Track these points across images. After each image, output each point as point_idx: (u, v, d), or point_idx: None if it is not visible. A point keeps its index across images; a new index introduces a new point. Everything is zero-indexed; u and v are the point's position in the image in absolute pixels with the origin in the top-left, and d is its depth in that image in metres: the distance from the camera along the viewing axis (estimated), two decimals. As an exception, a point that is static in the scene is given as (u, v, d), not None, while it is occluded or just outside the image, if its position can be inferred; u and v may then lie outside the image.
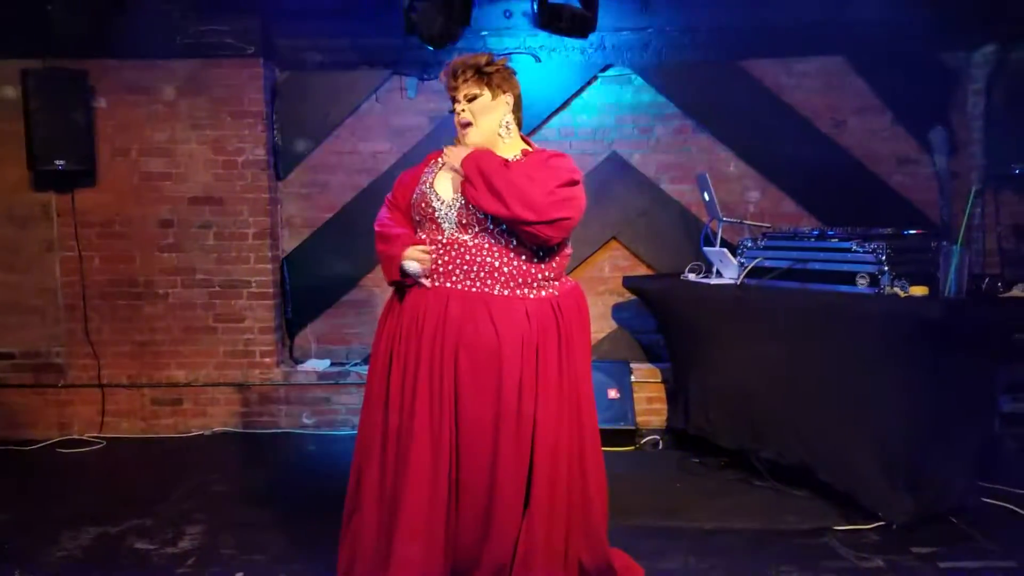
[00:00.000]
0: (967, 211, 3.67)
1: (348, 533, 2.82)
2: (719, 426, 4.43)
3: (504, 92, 2.74)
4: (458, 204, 2.66)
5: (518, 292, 2.64)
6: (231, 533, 3.60)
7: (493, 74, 2.71)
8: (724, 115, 5.31)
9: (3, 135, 5.08)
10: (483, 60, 2.72)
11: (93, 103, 5.11)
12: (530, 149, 2.78)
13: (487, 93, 2.71)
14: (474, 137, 2.73)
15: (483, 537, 2.62)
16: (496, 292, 2.63)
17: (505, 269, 2.63)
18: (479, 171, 2.60)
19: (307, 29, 5.26)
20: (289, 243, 5.47)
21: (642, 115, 5.37)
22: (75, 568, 3.28)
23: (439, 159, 2.87)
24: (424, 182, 2.79)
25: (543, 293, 2.68)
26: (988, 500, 3.77)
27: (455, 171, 2.68)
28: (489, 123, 2.73)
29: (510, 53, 5.19)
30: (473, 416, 2.59)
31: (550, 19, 4.34)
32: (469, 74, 2.70)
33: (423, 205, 2.73)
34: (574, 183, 2.67)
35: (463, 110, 2.72)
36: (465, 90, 2.70)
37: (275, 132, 5.35)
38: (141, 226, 5.24)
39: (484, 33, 5.21)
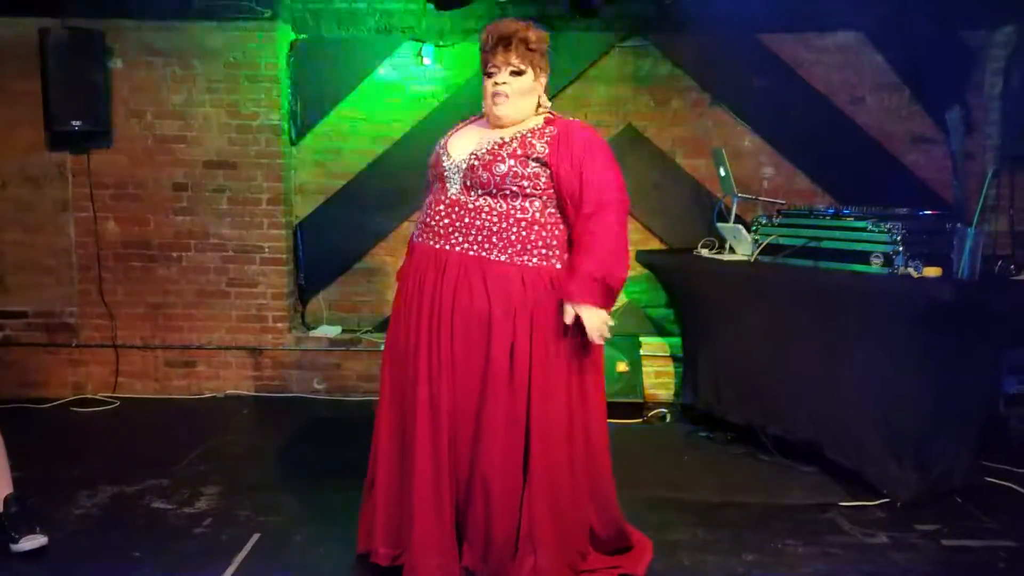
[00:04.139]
0: (983, 193, 3.65)
1: (368, 503, 2.86)
2: (727, 401, 4.47)
3: (542, 72, 2.70)
4: (465, 165, 2.64)
5: (516, 259, 2.61)
6: (246, 495, 3.66)
7: (537, 52, 2.66)
8: (741, 89, 5.29)
9: (20, 95, 5.08)
10: (532, 35, 2.64)
11: (109, 64, 5.11)
12: (552, 116, 2.73)
13: (530, 72, 2.65)
14: (507, 110, 2.66)
15: (482, 509, 2.64)
16: (493, 257, 2.60)
17: (504, 234, 2.61)
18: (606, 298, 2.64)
19: (324, -8, 5.25)
20: (302, 209, 5.49)
21: (658, 87, 5.35)
22: (93, 526, 3.35)
23: (462, 123, 2.88)
24: (440, 143, 2.80)
25: (543, 264, 2.65)
26: (991, 480, 3.83)
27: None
28: (526, 104, 2.68)
29: (527, 19, 5.15)
30: (464, 383, 2.60)
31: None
32: (521, 48, 2.62)
33: (435, 166, 2.75)
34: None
35: (504, 82, 2.63)
36: (512, 62, 2.62)
37: (290, 97, 5.34)
38: (155, 188, 5.26)
39: (501, 0, 5.18)
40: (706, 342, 4.65)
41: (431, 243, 2.68)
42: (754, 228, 4.27)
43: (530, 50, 2.65)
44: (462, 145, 2.71)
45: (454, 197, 2.66)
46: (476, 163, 2.61)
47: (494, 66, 2.65)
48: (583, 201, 2.61)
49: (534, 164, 2.60)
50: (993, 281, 3.60)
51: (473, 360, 2.59)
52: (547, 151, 2.61)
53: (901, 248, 3.53)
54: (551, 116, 2.73)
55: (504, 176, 2.58)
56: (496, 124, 2.72)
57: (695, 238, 4.75)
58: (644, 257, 4.97)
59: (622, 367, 4.90)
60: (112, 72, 5.13)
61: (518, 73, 2.64)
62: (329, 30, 5.33)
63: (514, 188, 2.59)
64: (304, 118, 5.39)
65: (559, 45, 5.18)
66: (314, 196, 5.49)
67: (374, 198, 5.42)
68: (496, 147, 2.62)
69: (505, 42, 2.62)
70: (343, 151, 5.44)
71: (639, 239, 5.39)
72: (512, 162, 2.59)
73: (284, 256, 5.33)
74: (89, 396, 5.25)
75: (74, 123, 4.95)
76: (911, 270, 3.48)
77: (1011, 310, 3.67)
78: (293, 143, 5.41)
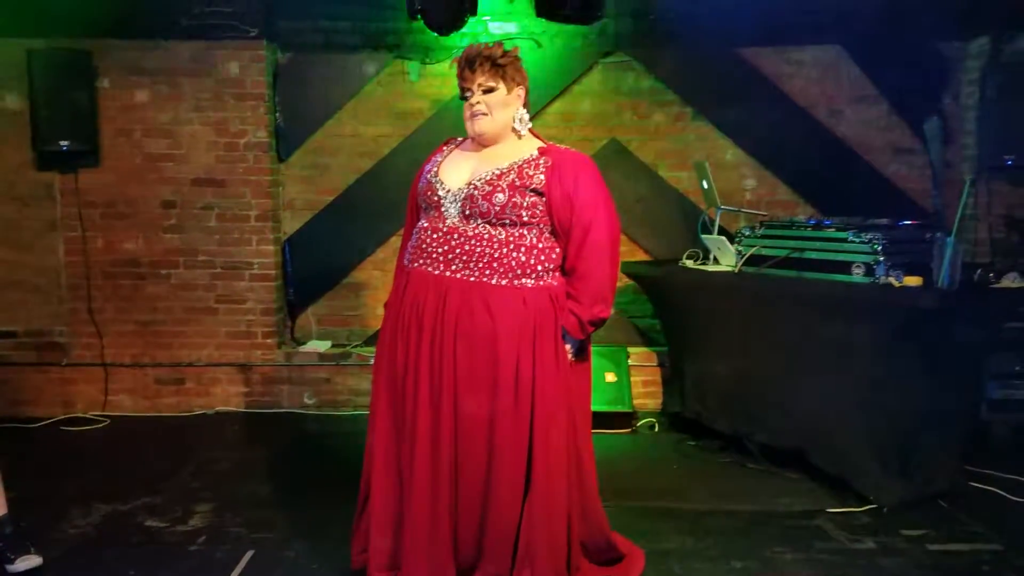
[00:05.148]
0: (961, 203, 3.72)
1: (362, 518, 2.89)
2: (714, 410, 4.52)
3: (518, 85, 2.74)
4: (462, 195, 2.68)
5: (516, 282, 2.66)
6: (239, 511, 3.67)
7: (507, 66, 2.70)
8: (722, 103, 5.37)
9: (7, 115, 5.11)
10: (498, 52, 2.70)
11: (97, 83, 5.14)
12: (544, 145, 2.78)
13: (502, 86, 2.70)
14: (486, 126, 2.71)
15: (485, 524, 2.67)
16: (494, 282, 2.65)
17: (504, 260, 2.65)
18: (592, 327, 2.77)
19: (310, 11, 5.30)
20: (291, 225, 5.52)
21: (641, 102, 5.42)
22: (88, 545, 3.35)
23: (445, 148, 2.92)
24: (429, 171, 2.82)
25: (541, 283, 2.70)
26: (975, 484, 3.88)
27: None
28: (504, 116, 2.73)
29: (512, 38, 5.23)
30: (470, 404, 2.63)
31: (553, 8, 4.37)
32: (487, 66, 2.67)
33: (428, 193, 2.76)
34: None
35: (478, 102, 2.70)
36: (480, 81, 2.68)
37: (277, 114, 5.38)
38: (144, 207, 5.28)
39: (486, 18, 5.23)
40: (692, 351, 4.70)
41: (429, 269, 2.70)
42: (738, 239, 4.34)
43: (498, 66, 2.70)
44: (456, 173, 2.75)
45: (452, 225, 2.69)
46: (475, 193, 2.65)
47: (467, 88, 2.73)
48: (573, 224, 2.68)
49: (531, 194, 2.65)
50: (973, 289, 3.67)
51: (480, 381, 2.62)
52: (543, 182, 2.66)
53: (882, 258, 3.60)
54: (544, 146, 2.77)
55: (504, 207, 2.62)
56: (480, 142, 2.77)
57: (680, 249, 4.81)
58: (630, 268, 5.01)
59: (610, 377, 4.95)
60: (100, 92, 5.16)
61: (489, 90, 2.70)
62: (315, 48, 5.38)
63: (513, 218, 2.64)
64: (292, 135, 5.43)
65: (544, 62, 5.27)
66: (302, 212, 5.52)
67: (362, 213, 5.46)
68: (495, 177, 2.66)
69: (471, 64, 2.70)
70: (331, 167, 5.48)
71: (625, 251, 5.37)
72: (511, 193, 2.63)
73: (273, 272, 5.36)
74: (79, 415, 5.25)
75: (62, 143, 4.97)
76: (892, 279, 3.55)
77: (991, 317, 3.75)
78: (281, 160, 5.45)
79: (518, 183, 2.65)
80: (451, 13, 4.35)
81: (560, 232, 2.72)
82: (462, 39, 5.18)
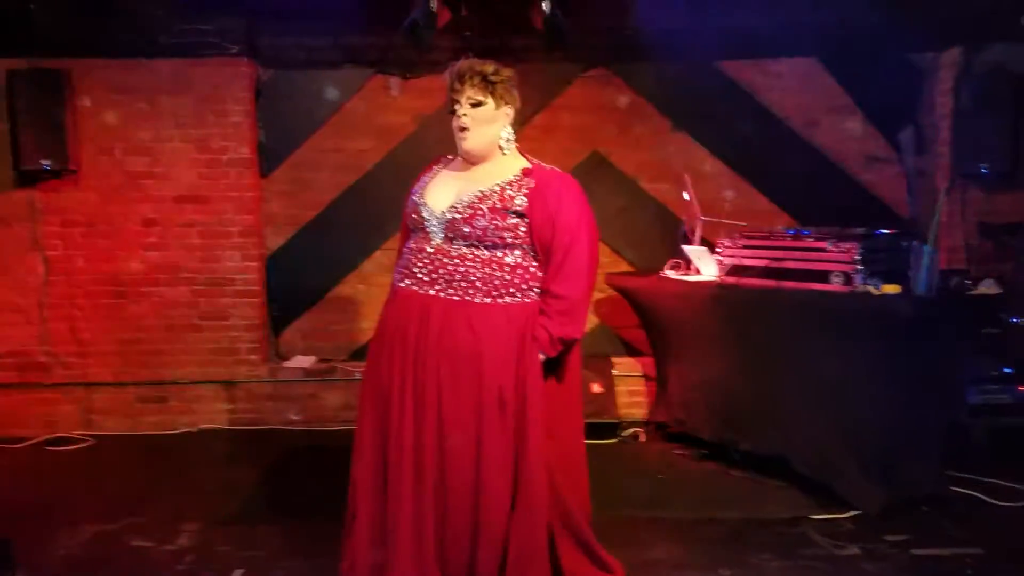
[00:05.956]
0: (937, 211, 3.80)
1: (350, 534, 2.89)
2: (699, 418, 4.56)
3: (506, 103, 2.75)
4: (446, 218, 2.70)
5: (499, 300, 2.68)
6: (227, 530, 3.66)
7: (498, 84, 2.72)
8: (701, 115, 5.44)
9: (-13, 134, 5.08)
10: (490, 68, 2.72)
11: (77, 102, 5.12)
12: (529, 166, 2.78)
13: (491, 102, 2.71)
14: (472, 142, 2.73)
15: (472, 541, 2.67)
16: (477, 300, 2.66)
17: (487, 279, 2.67)
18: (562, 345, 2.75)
19: (291, 28, 5.31)
20: (274, 241, 5.52)
21: (621, 115, 5.48)
22: (77, 566, 3.33)
23: (434, 167, 2.95)
24: (416, 192, 2.84)
25: (526, 300, 2.72)
26: (957, 489, 3.92)
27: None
28: (490, 132, 2.74)
29: (493, 53, 5.25)
30: (455, 422, 2.64)
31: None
32: (476, 80, 2.69)
33: (414, 216, 2.78)
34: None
35: (464, 114, 2.71)
36: (469, 94, 2.70)
37: (259, 130, 5.39)
38: (125, 225, 5.27)
39: (467, 33, 5.27)
40: (676, 361, 4.74)
41: (415, 288, 2.73)
42: (718, 250, 4.39)
43: (488, 82, 2.72)
44: (440, 195, 2.76)
45: (437, 246, 2.72)
46: (457, 216, 2.67)
47: (456, 102, 2.74)
48: (554, 246, 2.70)
49: (513, 217, 2.67)
50: (950, 296, 3.73)
51: (465, 398, 2.63)
52: (525, 203, 2.68)
53: (860, 267, 3.65)
54: (528, 166, 2.78)
55: (485, 230, 2.65)
56: (467, 159, 2.80)
57: (661, 260, 4.85)
58: (613, 279, 5.06)
59: (596, 388, 4.97)
60: (80, 110, 5.14)
61: (477, 104, 2.71)
62: (297, 64, 5.39)
63: (495, 239, 2.67)
64: (274, 151, 5.44)
65: (525, 77, 5.29)
66: (285, 227, 5.52)
67: (345, 228, 5.47)
68: (476, 201, 2.68)
69: (462, 78, 2.72)
70: (314, 182, 5.49)
71: (608, 262, 5.44)
72: (492, 216, 2.65)
73: (256, 288, 5.36)
74: (62, 435, 5.19)
75: (42, 162, 4.96)
76: (870, 288, 3.60)
77: (968, 323, 3.82)
78: (263, 175, 5.45)
79: (499, 206, 2.67)
80: (430, 29, 4.39)
81: (540, 252, 2.72)
82: (443, 53, 5.20)
